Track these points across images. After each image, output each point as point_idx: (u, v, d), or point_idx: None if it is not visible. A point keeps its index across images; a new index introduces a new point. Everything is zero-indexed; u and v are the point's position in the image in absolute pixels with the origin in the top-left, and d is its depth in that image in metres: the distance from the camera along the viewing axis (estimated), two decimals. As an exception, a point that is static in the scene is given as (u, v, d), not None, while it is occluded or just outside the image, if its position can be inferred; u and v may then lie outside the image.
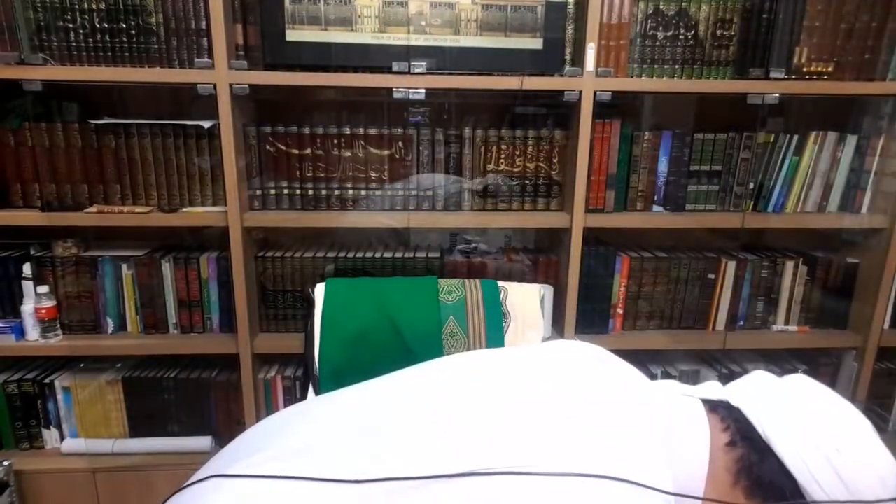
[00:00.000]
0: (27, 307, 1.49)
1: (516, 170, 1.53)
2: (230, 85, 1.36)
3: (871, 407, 1.68)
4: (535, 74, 1.42)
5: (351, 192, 1.52)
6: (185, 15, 1.35)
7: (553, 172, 1.53)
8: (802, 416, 0.63)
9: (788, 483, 0.60)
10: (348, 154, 1.50)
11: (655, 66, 1.45)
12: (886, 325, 1.64)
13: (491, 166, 1.53)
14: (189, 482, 0.62)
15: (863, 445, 0.60)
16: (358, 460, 0.59)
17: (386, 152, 1.50)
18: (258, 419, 1.15)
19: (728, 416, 0.66)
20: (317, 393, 1.20)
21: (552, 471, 0.54)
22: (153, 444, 1.58)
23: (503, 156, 1.52)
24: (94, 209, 1.46)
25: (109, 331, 1.56)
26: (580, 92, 1.41)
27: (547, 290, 1.42)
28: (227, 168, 1.41)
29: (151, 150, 1.45)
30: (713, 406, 0.69)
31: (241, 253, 1.45)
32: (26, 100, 1.41)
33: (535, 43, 1.43)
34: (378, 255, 1.58)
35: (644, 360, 1.69)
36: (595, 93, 1.41)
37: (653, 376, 1.67)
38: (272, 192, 1.51)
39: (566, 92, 1.41)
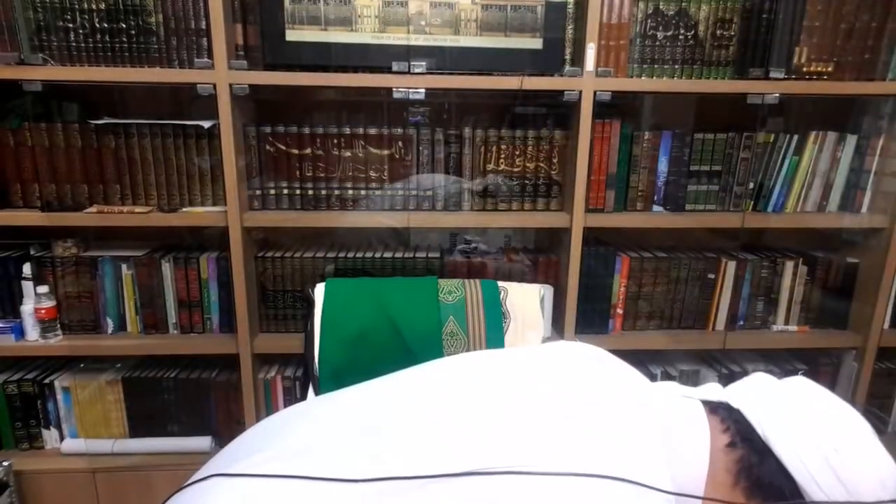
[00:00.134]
0: (27, 307, 1.49)
1: (516, 170, 1.53)
2: (230, 85, 1.36)
3: (870, 409, 1.68)
4: (535, 74, 1.42)
5: (351, 192, 1.52)
6: (185, 15, 1.35)
7: (553, 172, 1.53)
8: (802, 418, 0.63)
9: (788, 484, 0.60)
10: (348, 154, 1.50)
11: (655, 66, 1.45)
12: (886, 325, 1.64)
13: (491, 166, 1.53)
14: (190, 481, 0.62)
15: (861, 446, 0.61)
16: (358, 460, 0.59)
17: (386, 152, 1.50)
18: (258, 419, 1.15)
19: (728, 418, 0.67)
20: (317, 393, 1.20)
21: (552, 470, 0.54)
22: (153, 445, 1.58)
23: (503, 156, 1.52)
24: (93, 209, 1.46)
25: (109, 331, 1.56)
26: (580, 92, 1.41)
27: (547, 291, 1.42)
28: (227, 168, 1.41)
29: (151, 150, 1.45)
30: (713, 407, 0.69)
31: (240, 253, 1.45)
32: (26, 100, 1.41)
33: (535, 43, 1.43)
34: (378, 255, 1.58)
35: (644, 360, 1.69)
36: (595, 93, 1.41)
37: (653, 376, 1.67)
38: (272, 192, 1.51)
39: (566, 92, 1.41)
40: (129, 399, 1.57)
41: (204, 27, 1.35)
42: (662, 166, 1.55)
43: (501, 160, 1.52)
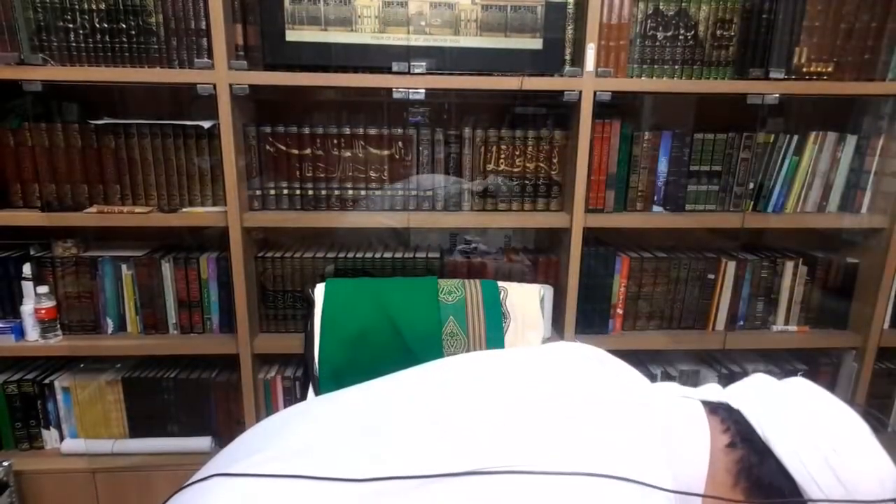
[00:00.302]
0: (27, 307, 1.49)
1: (516, 170, 1.53)
2: (230, 85, 1.36)
3: (869, 410, 1.68)
4: (535, 74, 1.42)
5: (351, 192, 1.52)
6: (185, 15, 1.35)
7: (553, 172, 1.53)
8: (801, 418, 0.63)
9: (788, 484, 0.60)
10: (348, 154, 1.50)
11: (655, 67, 1.45)
12: (886, 325, 1.64)
13: (491, 166, 1.53)
14: (190, 481, 0.62)
15: (860, 447, 0.61)
16: (358, 460, 0.59)
17: (386, 152, 1.51)
18: (258, 419, 1.15)
19: (728, 418, 0.67)
20: (317, 393, 1.20)
21: (552, 470, 0.54)
22: (153, 445, 1.58)
23: (503, 156, 1.52)
24: (93, 209, 1.46)
25: (109, 331, 1.56)
26: (580, 92, 1.41)
27: (547, 291, 1.42)
28: (227, 168, 1.41)
29: (151, 151, 1.45)
30: (713, 408, 0.69)
31: (240, 253, 1.45)
32: (26, 100, 1.41)
33: (535, 43, 1.43)
34: (378, 255, 1.58)
35: (644, 360, 1.69)
36: (595, 93, 1.41)
37: (653, 376, 1.67)
38: (272, 192, 1.51)
39: (566, 92, 1.41)
40: (129, 399, 1.57)
41: (204, 27, 1.35)
42: (662, 166, 1.55)
43: (501, 160, 1.52)
